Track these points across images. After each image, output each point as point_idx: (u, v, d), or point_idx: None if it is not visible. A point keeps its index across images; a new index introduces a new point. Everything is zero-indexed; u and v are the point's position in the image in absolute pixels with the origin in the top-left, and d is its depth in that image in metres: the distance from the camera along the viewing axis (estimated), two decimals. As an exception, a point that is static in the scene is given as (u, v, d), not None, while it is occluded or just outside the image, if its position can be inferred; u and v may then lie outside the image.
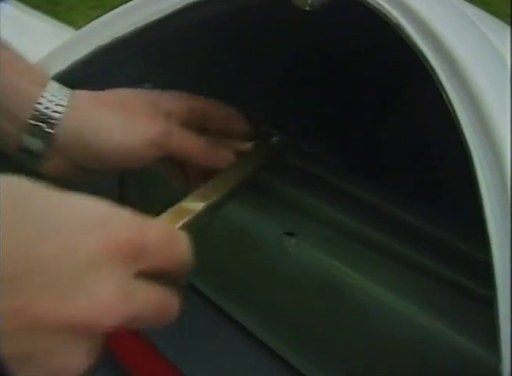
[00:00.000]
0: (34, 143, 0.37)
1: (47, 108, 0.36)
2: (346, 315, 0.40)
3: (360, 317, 0.39)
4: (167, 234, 0.26)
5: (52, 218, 0.22)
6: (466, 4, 0.41)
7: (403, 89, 0.52)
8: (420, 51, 0.29)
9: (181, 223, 0.33)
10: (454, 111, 0.27)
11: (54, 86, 0.38)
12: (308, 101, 0.55)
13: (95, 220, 0.23)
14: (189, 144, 0.40)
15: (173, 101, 0.40)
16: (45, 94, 0.37)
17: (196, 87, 0.42)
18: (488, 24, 0.38)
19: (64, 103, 0.37)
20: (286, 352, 0.45)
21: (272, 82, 0.55)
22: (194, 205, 0.36)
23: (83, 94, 0.38)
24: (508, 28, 0.50)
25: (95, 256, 0.22)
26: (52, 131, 0.37)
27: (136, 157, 0.39)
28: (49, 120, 0.36)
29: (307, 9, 0.34)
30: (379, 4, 0.31)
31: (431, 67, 0.29)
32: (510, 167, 0.26)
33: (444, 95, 0.28)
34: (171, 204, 0.35)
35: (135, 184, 0.57)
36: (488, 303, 0.26)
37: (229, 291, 0.48)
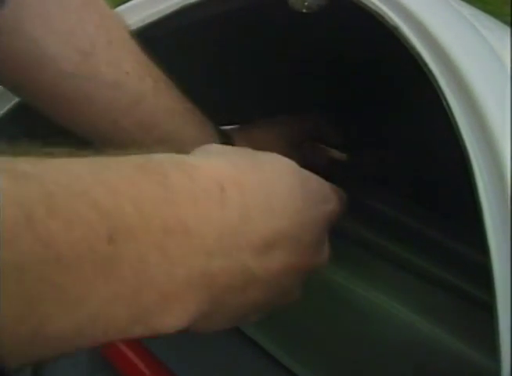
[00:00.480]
0: None
1: None
2: (344, 319, 0.40)
3: (358, 321, 0.39)
4: (346, 200, 0.33)
5: (308, 191, 0.28)
6: (465, 4, 0.41)
7: (403, 91, 0.52)
8: (418, 54, 0.29)
9: None
10: (452, 115, 0.27)
11: (221, 133, 0.42)
12: (307, 102, 0.55)
13: (324, 196, 0.29)
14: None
15: (295, 132, 0.47)
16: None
17: (195, 87, 0.42)
18: (486, 25, 0.37)
19: None
20: (283, 355, 0.44)
21: (271, 83, 0.55)
22: None
23: (239, 140, 0.42)
24: (507, 28, 0.50)
25: (327, 224, 0.29)
26: None
27: None
28: None
29: (304, 11, 0.34)
30: (377, 6, 0.31)
31: (430, 71, 0.28)
32: (510, 172, 0.26)
33: (442, 99, 0.28)
34: None
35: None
36: (488, 308, 0.25)
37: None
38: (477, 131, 0.26)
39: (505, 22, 0.63)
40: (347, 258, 0.42)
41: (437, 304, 0.38)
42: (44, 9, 0.34)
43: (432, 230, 0.45)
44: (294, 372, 0.44)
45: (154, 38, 0.41)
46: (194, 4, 0.38)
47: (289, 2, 0.34)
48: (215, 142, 0.39)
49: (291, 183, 0.27)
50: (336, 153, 0.48)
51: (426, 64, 0.28)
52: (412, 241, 0.43)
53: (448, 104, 0.27)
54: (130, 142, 0.39)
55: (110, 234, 0.19)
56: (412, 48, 0.29)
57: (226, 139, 0.42)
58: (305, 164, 0.46)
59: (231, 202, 0.23)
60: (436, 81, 0.28)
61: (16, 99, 0.43)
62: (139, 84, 0.37)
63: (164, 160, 0.23)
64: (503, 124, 0.26)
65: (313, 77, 0.53)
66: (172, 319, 0.21)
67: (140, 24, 0.40)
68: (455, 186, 0.32)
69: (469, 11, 0.39)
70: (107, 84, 0.36)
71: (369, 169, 0.52)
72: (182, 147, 0.39)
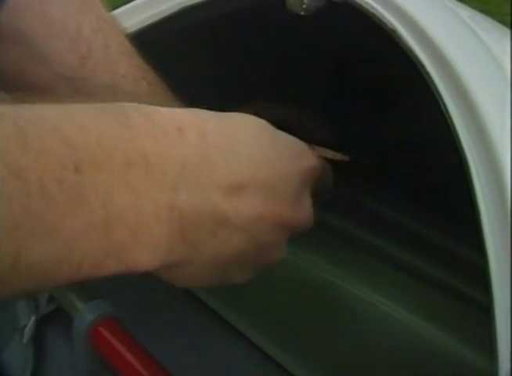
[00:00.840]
0: None
1: None
2: (342, 320, 0.40)
3: (355, 322, 0.39)
4: (327, 167, 0.35)
5: (281, 146, 0.29)
6: (463, 6, 0.41)
7: (401, 92, 0.52)
8: (415, 57, 0.29)
9: None
10: (449, 116, 0.27)
11: None
12: (306, 102, 0.55)
13: (298, 153, 0.30)
14: None
15: (272, 115, 0.44)
16: None
17: (194, 88, 0.42)
18: (484, 27, 0.37)
19: None
20: (281, 356, 0.44)
21: (269, 84, 0.55)
22: None
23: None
24: (505, 29, 0.50)
25: (303, 180, 0.29)
26: None
27: None
28: None
29: (302, 13, 0.34)
30: (374, 9, 0.31)
31: (427, 73, 0.28)
32: (510, 174, 0.26)
33: (439, 100, 0.28)
34: None
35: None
36: (486, 309, 0.25)
37: (225, 296, 0.48)
38: (475, 133, 0.26)
39: (504, 21, 0.63)
40: (345, 259, 0.42)
41: (435, 305, 0.38)
42: (45, 15, 0.35)
43: (430, 231, 0.45)
44: (292, 372, 0.44)
45: (153, 40, 0.41)
46: (192, 6, 0.38)
47: (287, 4, 0.34)
48: None
49: (259, 135, 0.28)
50: (338, 156, 0.48)
51: (423, 66, 0.28)
52: (410, 242, 0.43)
53: (445, 106, 0.27)
54: None
55: (76, 165, 0.20)
56: (410, 50, 0.29)
57: None
58: None
59: (190, 141, 0.24)
60: (433, 83, 0.28)
61: None
62: (134, 87, 0.38)
63: (126, 104, 0.24)
64: (501, 126, 0.27)
65: (311, 79, 0.53)
66: (144, 254, 0.22)
67: (139, 26, 0.41)
68: (453, 188, 0.32)
69: (467, 13, 0.39)
70: (103, 87, 0.37)
71: (368, 170, 0.52)
72: None
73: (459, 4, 0.41)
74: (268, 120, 0.47)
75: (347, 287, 0.39)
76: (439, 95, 0.28)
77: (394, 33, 0.29)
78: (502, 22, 0.50)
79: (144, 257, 0.22)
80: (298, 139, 0.31)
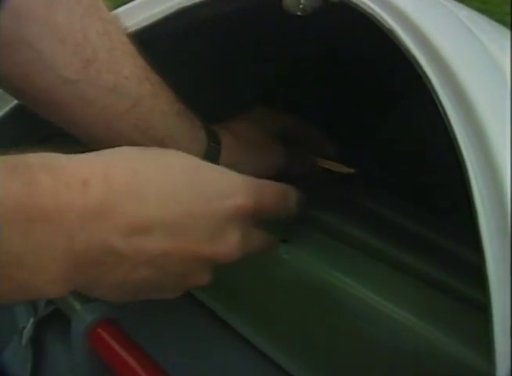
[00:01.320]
0: None
1: (211, 151, 0.43)
2: (341, 321, 0.40)
3: (355, 324, 0.39)
4: (279, 195, 0.35)
5: (199, 187, 0.31)
6: (462, 6, 0.41)
7: (399, 92, 0.52)
8: (412, 57, 0.29)
9: None
10: (446, 116, 0.27)
11: (208, 128, 0.44)
12: (303, 102, 0.55)
13: (221, 193, 0.32)
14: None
15: (274, 123, 0.49)
16: (208, 138, 0.43)
17: (191, 88, 0.42)
18: (482, 27, 0.37)
19: (218, 146, 0.44)
20: (281, 357, 0.44)
21: (267, 84, 0.55)
22: None
23: (223, 133, 0.45)
24: (504, 29, 0.50)
25: (229, 217, 0.31)
26: None
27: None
28: (212, 161, 0.42)
29: (299, 13, 0.34)
30: (371, 9, 0.30)
31: (424, 73, 0.28)
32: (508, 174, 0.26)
33: (436, 101, 0.28)
34: None
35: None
36: (485, 310, 0.25)
37: (224, 297, 0.48)
38: (471, 132, 0.26)
39: (503, 21, 0.62)
40: (344, 259, 0.42)
41: (434, 306, 0.38)
42: (50, 19, 0.35)
43: (429, 231, 0.45)
44: (290, 373, 0.44)
45: (151, 41, 0.41)
46: (190, 7, 0.38)
47: (283, 5, 0.34)
48: (204, 140, 0.43)
49: (176, 176, 0.31)
50: (343, 168, 0.49)
51: (420, 67, 0.28)
52: (408, 242, 0.43)
53: (442, 106, 0.27)
54: (124, 142, 0.39)
55: None
56: (407, 50, 0.29)
57: (212, 133, 0.44)
58: (291, 166, 0.47)
59: (93, 191, 0.27)
60: (430, 84, 0.28)
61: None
62: (137, 89, 0.38)
63: (34, 162, 0.27)
64: (498, 126, 0.27)
65: (308, 79, 0.53)
66: (46, 287, 0.27)
67: (137, 27, 0.40)
68: (452, 188, 0.32)
69: (465, 12, 0.39)
70: (107, 89, 0.37)
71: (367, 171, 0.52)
72: (173, 144, 0.41)
73: (458, 4, 0.40)
74: (271, 127, 0.47)
75: (345, 288, 0.39)
76: (436, 95, 0.27)
77: (391, 33, 0.29)
78: (501, 21, 0.50)
79: (46, 289, 0.27)
80: (232, 175, 0.33)
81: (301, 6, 0.34)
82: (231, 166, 0.44)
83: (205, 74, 0.50)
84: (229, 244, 0.32)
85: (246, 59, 0.49)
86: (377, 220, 0.46)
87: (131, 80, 0.38)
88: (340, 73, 0.51)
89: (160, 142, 0.40)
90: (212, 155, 0.43)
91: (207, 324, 0.48)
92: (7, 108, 0.44)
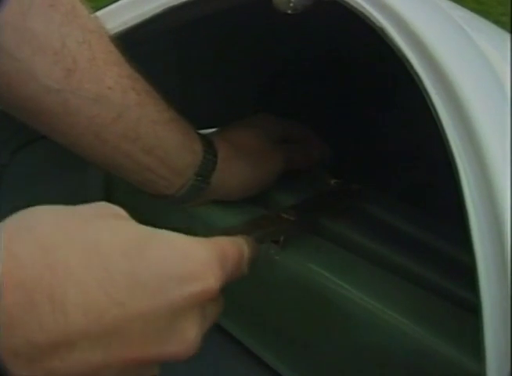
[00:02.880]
0: (191, 192, 0.43)
1: (206, 164, 0.42)
2: (334, 324, 0.39)
3: (348, 327, 0.38)
4: (236, 262, 0.30)
5: (144, 275, 0.24)
6: (456, 6, 0.40)
7: (393, 92, 0.52)
8: (404, 56, 0.28)
9: None
10: (437, 115, 0.27)
11: (204, 139, 0.43)
12: (294, 101, 0.55)
13: (187, 273, 0.25)
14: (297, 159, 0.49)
15: (274, 128, 0.48)
16: (204, 150, 0.42)
17: (180, 89, 0.42)
18: (476, 26, 0.37)
19: (215, 158, 0.43)
20: (274, 360, 0.44)
21: (259, 84, 0.54)
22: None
23: (220, 144, 0.44)
24: (499, 30, 0.49)
25: (186, 309, 0.25)
26: (207, 183, 0.43)
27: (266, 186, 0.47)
28: (207, 174, 0.43)
29: (289, 12, 0.34)
30: (362, 7, 0.30)
31: (415, 72, 0.28)
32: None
33: (427, 99, 0.27)
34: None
35: (122, 192, 0.56)
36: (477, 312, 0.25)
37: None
38: (462, 130, 0.26)
39: (500, 22, 0.62)
40: (335, 260, 0.41)
41: (425, 307, 0.37)
42: (27, 28, 0.34)
43: (423, 233, 0.44)
44: (281, 374, 0.43)
45: (137, 41, 0.40)
46: (178, 6, 0.37)
47: (273, 3, 0.34)
48: (199, 151, 0.41)
49: (112, 262, 0.23)
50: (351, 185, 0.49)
51: (411, 65, 0.28)
52: (401, 244, 0.43)
53: (432, 104, 0.27)
54: (113, 152, 0.39)
55: None
56: (398, 49, 0.28)
57: (208, 144, 0.43)
58: (291, 166, 0.47)
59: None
60: (421, 82, 0.27)
61: None
62: (122, 99, 0.38)
63: None
64: (490, 125, 0.26)
65: (299, 78, 0.53)
66: None
67: (125, 26, 0.40)
68: (447, 190, 0.31)
69: (459, 13, 0.38)
70: (90, 99, 0.37)
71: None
72: (165, 154, 0.40)
73: (452, 4, 0.40)
74: (270, 133, 0.47)
75: (337, 289, 0.39)
76: (427, 94, 0.27)
77: (381, 31, 0.29)
78: (496, 22, 0.49)
79: None
80: (192, 252, 0.26)
81: (291, 4, 0.34)
82: (225, 178, 0.44)
83: (195, 74, 0.49)
84: (186, 341, 0.25)
85: (237, 58, 0.49)
86: (369, 221, 0.46)
87: (114, 90, 0.37)
88: (331, 72, 0.51)
89: (150, 153, 0.40)
90: (207, 167, 0.42)
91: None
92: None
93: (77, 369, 0.22)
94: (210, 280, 0.26)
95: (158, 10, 0.38)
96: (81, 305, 0.22)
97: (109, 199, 0.56)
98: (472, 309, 0.33)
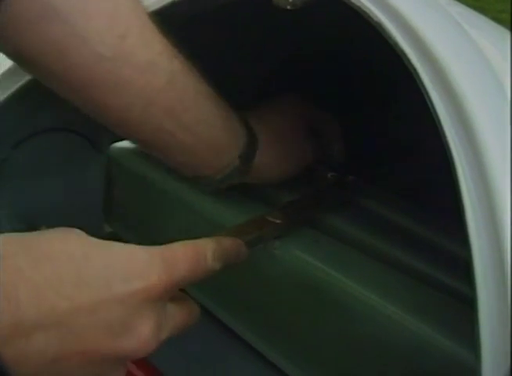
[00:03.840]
0: (232, 174, 0.43)
1: (248, 146, 0.42)
2: (332, 317, 0.40)
3: (346, 320, 0.39)
4: (194, 258, 0.30)
5: (90, 274, 0.26)
6: (454, 3, 0.41)
7: (392, 88, 0.52)
8: (401, 50, 0.28)
9: None
10: (434, 110, 0.27)
11: (244, 121, 0.42)
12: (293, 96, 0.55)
13: (131, 272, 0.27)
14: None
15: (303, 114, 0.48)
16: (246, 132, 0.42)
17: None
18: (473, 22, 0.37)
19: (256, 141, 0.42)
20: (273, 353, 0.44)
21: (260, 79, 0.55)
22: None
23: (259, 127, 0.43)
24: (497, 26, 0.50)
25: (136, 304, 0.26)
26: (248, 166, 0.43)
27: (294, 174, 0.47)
28: (249, 156, 0.42)
29: (288, 7, 0.34)
30: (360, 2, 0.30)
31: (413, 67, 0.28)
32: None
33: (424, 94, 0.28)
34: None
35: (121, 187, 0.56)
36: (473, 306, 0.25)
37: (214, 292, 0.48)
38: (460, 128, 0.26)
39: (498, 18, 0.62)
40: (335, 255, 0.41)
41: (426, 301, 0.38)
42: None
43: (420, 227, 0.45)
44: (280, 368, 0.44)
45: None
46: (176, 2, 0.38)
47: (273, -1, 0.34)
48: (241, 133, 0.41)
49: (60, 266, 0.25)
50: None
51: (409, 60, 0.28)
52: (399, 238, 0.43)
53: (430, 100, 0.27)
54: (158, 130, 0.39)
55: None
56: (395, 43, 0.29)
57: (248, 126, 0.42)
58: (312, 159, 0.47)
59: None
60: (419, 77, 0.28)
61: (20, 83, 0.43)
62: (170, 65, 0.37)
63: None
64: (487, 118, 0.26)
65: (299, 73, 0.53)
66: None
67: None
68: (444, 185, 0.32)
69: (457, 9, 0.39)
70: (142, 65, 0.36)
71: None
72: (209, 132, 0.40)
73: (451, 1, 0.40)
74: (300, 120, 0.46)
75: (337, 284, 0.39)
76: (425, 88, 0.27)
77: (379, 26, 0.29)
78: (495, 19, 0.50)
79: None
80: (135, 254, 0.27)
81: (290, 0, 0.34)
82: (266, 162, 0.43)
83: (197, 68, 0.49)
84: (140, 336, 0.26)
85: (236, 54, 0.49)
86: (367, 215, 0.46)
87: (164, 56, 0.37)
88: (330, 68, 0.51)
89: (194, 132, 0.39)
90: (250, 150, 0.42)
91: (203, 324, 0.48)
92: (5, 95, 0.44)
93: (36, 359, 0.24)
94: (152, 278, 0.27)
95: (156, 7, 0.38)
96: (33, 300, 0.24)
97: (108, 195, 0.56)
98: (470, 303, 0.33)
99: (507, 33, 0.42)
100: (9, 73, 0.44)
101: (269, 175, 0.46)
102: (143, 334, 0.27)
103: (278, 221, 0.42)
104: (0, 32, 0.35)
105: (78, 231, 0.28)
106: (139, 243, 0.29)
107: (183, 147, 0.40)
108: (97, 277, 0.26)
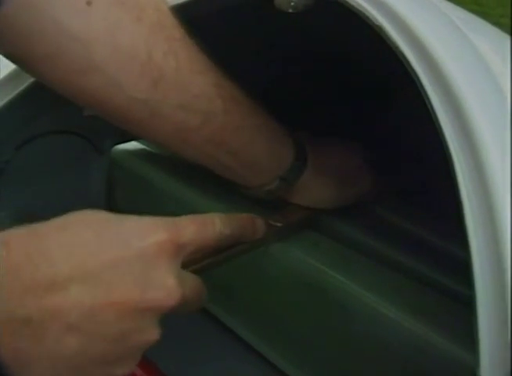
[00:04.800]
0: (271, 192, 0.44)
1: (293, 170, 0.43)
2: (333, 319, 0.40)
3: (347, 321, 0.39)
4: (198, 227, 0.32)
5: (109, 235, 0.29)
6: (454, 7, 0.41)
7: (390, 89, 0.52)
8: (401, 53, 0.29)
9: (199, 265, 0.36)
10: (434, 112, 0.27)
11: (297, 145, 0.43)
12: (297, 100, 0.55)
13: (142, 232, 0.29)
14: None
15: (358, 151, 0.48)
16: (294, 157, 0.43)
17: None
18: (473, 27, 0.37)
19: (304, 165, 0.43)
20: (273, 354, 0.45)
21: (261, 82, 0.55)
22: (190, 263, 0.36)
23: (313, 155, 0.44)
24: (497, 30, 0.50)
25: (154, 258, 0.29)
26: (290, 186, 0.44)
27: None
28: (292, 179, 0.43)
29: (290, 11, 0.34)
30: (362, 6, 0.31)
31: (413, 70, 0.28)
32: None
33: (424, 96, 0.28)
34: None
35: (123, 189, 0.56)
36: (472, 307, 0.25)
37: (215, 293, 0.48)
38: (459, 128, 0.26)
39: (499, 23, 0.63)
40: (335, 256, 0.42)
41: (425, 302, 0.38)
42: (115, 44, 0.35)
43: (421, 230, 0.45)
44: (280, 368, 0.44)
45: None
46: (178, 6, 0.38)
47: (275, 2, 0.35)
48: (287, 154, 0.42)
49: (81, 230, 0.28)
50: None
51: (409, 63, 0.28)
52: (398, 239, 0.43)
53: (430, 103, 0.27)
54: (198, 153, 0.41)
55: None
56: (396, 47, 0.29)
57: (300, 151, 0.43)
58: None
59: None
60: (419, 80, 0.28)
61: (23, 85, 0.43)
62: (208, 106, 0.39)
63: None
64: (486, 121, 0.27)
65: (300, 77, 0.53)
66: None
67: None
68: (444, 187, 0.32)
69: (457, 14, 0.39)
70: (175, 106, 0.38)
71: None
72: (250, 158, 0.41)
73: (451, 5, 0.41)
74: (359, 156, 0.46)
75: (337, 285, 0.39)
76: (425, 92, 0.28)
77: (380, 30, 0.29)
78: (496, 24, 0.50)
79: None
80: (142, 220, 0.30)
81: (292, 4, 0.34)
82: (308, 188, 0.44)
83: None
84: (166, 285, 0.29)
85: (237, 57, 0.49)
86: (367, 218, 0.46)
87: (200, 98, 0.38)
88: (331, 70, 0.51)
89: (235, 156, 0.41)
90: (294, 173, 0.43)
91: (197, 320, 0.48)
92: (9, 97, 0.44)
93: (75, 311, 0.26)
94: (163, 234, 0.29)
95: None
96: (64, 256, 0.27)
97: (110, 197, 0.56)
98: (469, 303, 0.34)
99: (507, 37, 0.42)
100: (11, 75, 0.44)
101: (311, 202, 0.45)
102: (167, 283, 0.29)
103: (279, 224, 0.43)
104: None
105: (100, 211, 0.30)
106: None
107: (222, 167, 0.42)
108: (115, 238, 0.28)
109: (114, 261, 0.27)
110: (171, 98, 0.37)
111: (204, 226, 0.32)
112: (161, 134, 0.40)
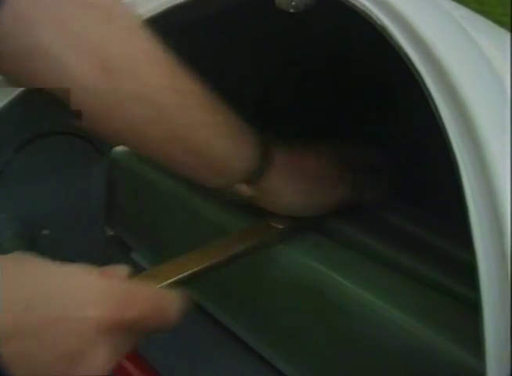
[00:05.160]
0: (235, 195, 0.41)
1: (255, 172, 0.40)
2: (334, 321, 0.40)
3: (348, 323, 0.39)
4: (152, 307, 0.30)
5: (43, 302, 0.26)
6: (457, 6, 0.41)
7: (392, 90, 0.52)
8: (405, 54, 0.29)
9: (175, 278, 0.35)
10: (438, 112, 0.27)
11: (262, 147, 0.40)
12: (298, 99, 0.55)
13: (84, 301, 0.27)
14: None
15: (343, 154, 0.45)
16: (258, 158, 0.40)
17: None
18: (476, 26, 0.37)
19: (267, 167, 0.40)
20: (273, 356, 0.44)
21: (262, 82, 0.55)
22: (193, 264, 0.36)
23: (280, 157, 0.41)
24: (499, 29, 0.50)
25: (91, 335, 0.27)
26: (254, 190, 0.40)
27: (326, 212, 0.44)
28: (255, 181, 0.40)
29: (291, 11, 0.34)
30: (364, 6, 0.30)
31: (417, 70, 0.28)
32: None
33: (428, 96, 0.28)
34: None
35: (123, 190, 0.56)
36: (478, 309, 0.25)
37: (216, 296, 0.48)
38: (463, 128, 0.26)
39: (500, 22, 0.62)
40: (336, 258, 0.41)
41: (428, 304, 0.38)
42: (61, 24, 0.34)
43: (423, 231, 0.45)
44: (281, 371, 0.44)
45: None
46: (178, 6, 0.38)
47: (276, 2, 0.34)
48: (250, 154, 0.39)
49: (12, 290, 0.26)
50: None
51: (412, 63, 0.28)
52: (401, 241, 0.43)
53: (434, 104, 0.27)
54: (156, 152, 0.39)
55: None
56: (399, 47, 0.29)
57: (265, 153, 0.40)
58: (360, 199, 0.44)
59: None
60: (422, 80, 0.28)
61: (20, 89, 0.43)
62: (163, 98, 0.37)
63: None
64: (490, 123, 0.26)
65: (301, 77, 0.53)
66: None
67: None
68: (447, 188, 0.32)
69: (460, 12, 0.39)
70: (130, 98, 0.36)
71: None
72: (211, 157, 0.39)
73: (454, 3, 0.40)
74: (342, 159, 0.44)
75: (338, 287, 0.39)
76: (428, 92, 0.27)
77: (383, 30, 0.29)
78: (497, 22, 0.50)
79: None
80: (91, 284, 0.28)
81: (293, 3, 0.34)
82: (276, 193, 0.41)
83: (195, 73, 0.49)
84: (91, 367, 0.27)
85: (238, 57, 0.49)
86: (369, 219, 0.46)
87: (155, 89, 0.36)
88: (332, 70, 0.51)
89: (195, 155, 0.38)
90: (256, 175, 0.40)
91: (199, 323, 0.48)
92: (8, 98, 0.44)
93: (17, 359, 0.25)
94: (102, 310, 0.27)
95: (158, 11, 0.38)
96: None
97: (110, 198, 0.56)
98: (473, 306, 0.33)
99: (508, 35, 0.42)
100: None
101: (280, 208, 0.42)
102: (95, 364, 0.27)
103: (280, 226, 0.42)
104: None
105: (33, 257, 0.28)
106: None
107: (182, 168, 0.40)
108: (50, 304, 0.26)
109: (36, 329, 0.26)
110: (125, 88, 0.36)
111: (162, 315, 0.30)
112: (114, 128, 0.38)
